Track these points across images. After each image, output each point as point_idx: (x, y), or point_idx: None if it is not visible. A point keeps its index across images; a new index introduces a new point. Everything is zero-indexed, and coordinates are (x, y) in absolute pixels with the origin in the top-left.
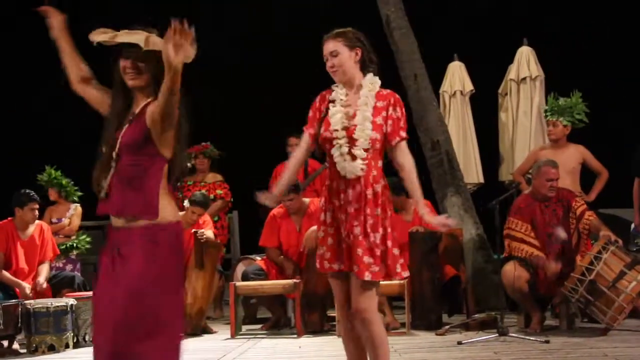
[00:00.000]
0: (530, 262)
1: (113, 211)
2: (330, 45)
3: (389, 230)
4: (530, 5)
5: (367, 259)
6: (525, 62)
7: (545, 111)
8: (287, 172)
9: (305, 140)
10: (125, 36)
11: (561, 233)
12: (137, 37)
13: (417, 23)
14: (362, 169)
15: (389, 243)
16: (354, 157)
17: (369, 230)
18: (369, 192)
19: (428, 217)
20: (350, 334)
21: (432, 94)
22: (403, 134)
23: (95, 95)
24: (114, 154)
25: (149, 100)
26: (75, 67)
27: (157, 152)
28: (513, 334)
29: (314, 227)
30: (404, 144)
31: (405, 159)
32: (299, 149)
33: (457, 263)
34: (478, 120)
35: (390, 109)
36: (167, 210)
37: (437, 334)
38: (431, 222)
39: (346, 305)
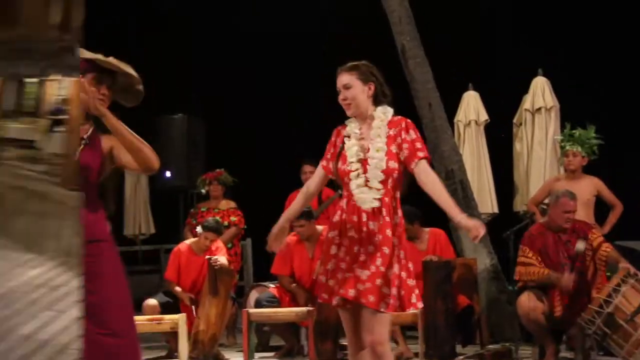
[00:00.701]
0: (542, 281)
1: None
2: (344, 78)
3: (404, 261)
4: (545, 35)
5: (385, 290)
6: (540, 92)
7: (562, 141)
8: (296, 203)
9: (319, 172)
10: (126, 67)
11: (580, 244)
12: (131, 70)
13: (432, 52)
14: (376, 201)
15: (404, 274)
16: (370, 189)
17: (392, 261)
18: (392, 222)
19: (464, 221)
20: None
21: (446, 122)
22: (421, 154)
23: None
24: None
25: (92, 127)
26: None
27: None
28: None
29: None
30: (424, 162)
31: (428, 176)
32: (312, 180)
33: (470, 293)
34: (492, 150)
35: (403, 133)
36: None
37: None
38: (467, 225)
39: (355, 334)
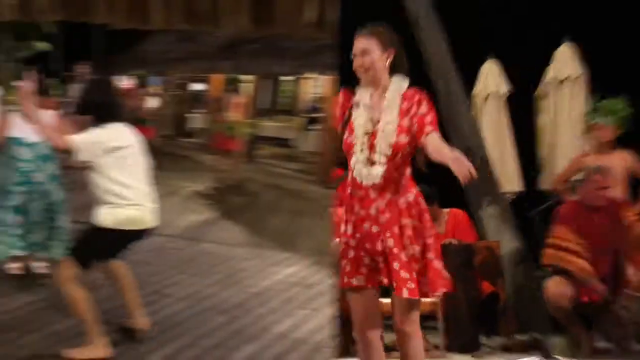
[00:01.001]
0: (577, 277)
1: None
2: (362, 43)
3: (429, 241)
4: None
5: (403, 274)
6: (565, 61)
7: (589, 113)
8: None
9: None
10: None
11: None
12: None
13: (448, 22)
14: (380, 176)
15: (430, 255)
16: (372, 163)
17: (406, 242)
18: (402, 201)
19: (452, 153)
20: (366, 353)
21: (463, 96)
22: (429, 128)
23: None
24: None
25: None
26: None
27: None
28: (559, 358)
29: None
30: (433, 134)
31: (434, 143)
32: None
33: (494, 278)
34: (514, 124)
35: (415, 107)
36: None
37: (473, 357)
38: (454, 157)
39: (365, 323)
